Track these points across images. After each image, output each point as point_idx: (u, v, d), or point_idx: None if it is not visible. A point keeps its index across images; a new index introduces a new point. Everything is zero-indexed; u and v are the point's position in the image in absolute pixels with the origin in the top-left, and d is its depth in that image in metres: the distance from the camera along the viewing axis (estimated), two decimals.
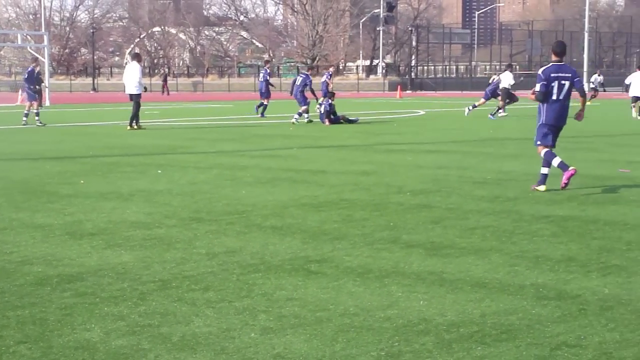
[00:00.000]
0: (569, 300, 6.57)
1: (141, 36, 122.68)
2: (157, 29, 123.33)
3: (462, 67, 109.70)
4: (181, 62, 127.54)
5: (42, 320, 6.11)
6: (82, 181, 13.92)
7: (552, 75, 12.53)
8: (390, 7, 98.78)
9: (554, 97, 12.53)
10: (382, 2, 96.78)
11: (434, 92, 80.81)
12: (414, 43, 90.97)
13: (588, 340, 5.62)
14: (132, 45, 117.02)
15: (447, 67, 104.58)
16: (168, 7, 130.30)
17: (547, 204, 11.36)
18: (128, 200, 11.92)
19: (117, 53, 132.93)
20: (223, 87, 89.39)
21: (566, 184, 12.48)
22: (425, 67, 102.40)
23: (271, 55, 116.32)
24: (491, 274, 7.46)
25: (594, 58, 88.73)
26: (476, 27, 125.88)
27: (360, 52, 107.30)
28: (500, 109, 34.32)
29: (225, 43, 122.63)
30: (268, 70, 35.76)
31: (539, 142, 12.84)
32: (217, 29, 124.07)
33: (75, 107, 48.17)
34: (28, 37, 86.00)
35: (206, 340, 5.67)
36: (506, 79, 34.80)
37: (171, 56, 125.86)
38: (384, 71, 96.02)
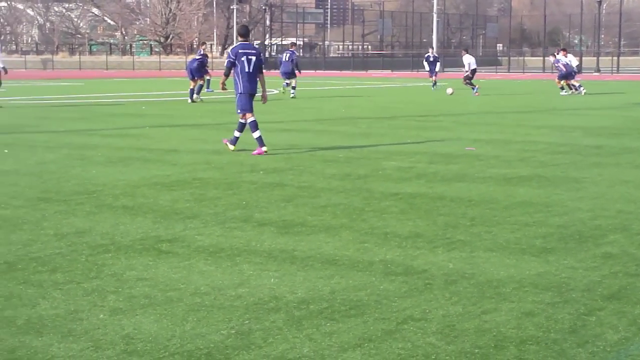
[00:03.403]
0: (416, 276, 6.74)
1: None
2: (3, 4, 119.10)
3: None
4: (29, 39, 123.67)
5: None
6: None
7: (240, 51, 14.52)
8: None
9: (246, 69, 14.47)
10: None
11: None
12: (267, 22, 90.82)
13: (433, 314, 5.78)
14: None
15: (301, 46, 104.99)
16: None
17: (396, 182, 11.59)
18: None
19: None
20: (74, 65, 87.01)
21: (256, 154, 14.47)
22: (280, 47, 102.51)
23: (124, 32, 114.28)
24: (341, 251, 7.58)
25: (442, 39, 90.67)
26: (329, 7, 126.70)
27: (215, 30, 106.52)
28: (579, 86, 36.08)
29: (75, 20, 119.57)
30: (295, 52, 35.33)
31: (239, 110, 14.62)
32: (67, 5, 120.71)
33: None
34: None
35: (52, 322, 5.56)
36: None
37: (19, 33, 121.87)
38: None
